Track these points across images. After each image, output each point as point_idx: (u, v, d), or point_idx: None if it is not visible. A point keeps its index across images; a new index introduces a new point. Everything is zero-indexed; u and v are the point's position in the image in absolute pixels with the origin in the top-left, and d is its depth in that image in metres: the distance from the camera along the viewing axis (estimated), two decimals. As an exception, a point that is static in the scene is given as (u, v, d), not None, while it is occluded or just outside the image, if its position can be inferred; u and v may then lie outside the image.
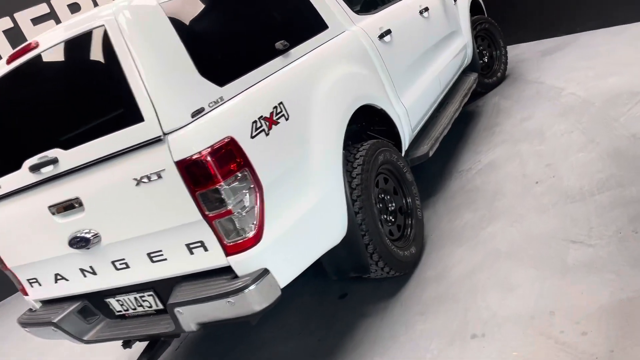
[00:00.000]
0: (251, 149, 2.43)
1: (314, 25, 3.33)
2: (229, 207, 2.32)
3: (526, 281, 2.82)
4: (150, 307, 2.84)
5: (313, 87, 2.93)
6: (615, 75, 4.70)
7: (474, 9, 6.03)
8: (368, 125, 3.72)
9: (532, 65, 6.11)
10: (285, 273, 2.50)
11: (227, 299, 2.35)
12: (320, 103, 2.90)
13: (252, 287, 2.35)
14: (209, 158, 2.28)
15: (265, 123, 2.55)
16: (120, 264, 2.71)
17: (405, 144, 3.84)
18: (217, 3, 2.94)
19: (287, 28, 3.21)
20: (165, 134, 2.30)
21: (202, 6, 2.84)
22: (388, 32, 3.84)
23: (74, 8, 6.74)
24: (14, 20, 6.40)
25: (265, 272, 2.39)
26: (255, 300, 2.37)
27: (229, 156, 2.34)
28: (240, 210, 2.35)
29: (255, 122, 2.50)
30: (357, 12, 3.79)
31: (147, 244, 2.58)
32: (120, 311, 2.97)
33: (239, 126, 2.44)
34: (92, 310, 3.06)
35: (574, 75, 5.17)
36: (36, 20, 6.48)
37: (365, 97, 3.34)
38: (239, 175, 2.36)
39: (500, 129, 4.80)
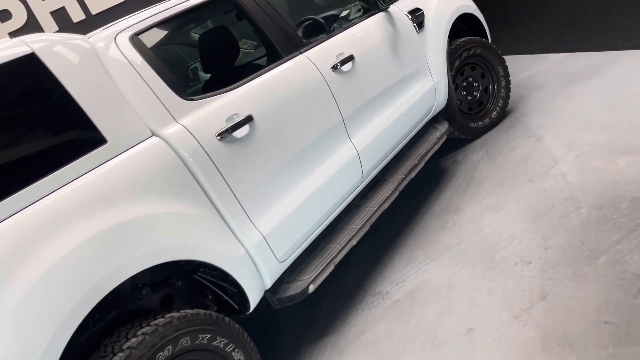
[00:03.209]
0: None
1: (70, 145, 2.13)
2: None
3: None
4: None
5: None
6: (633, 152, 3.23)
7: (470, 26, 4.57)
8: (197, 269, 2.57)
9: (544, 100, 4.59)
10: None
11: None
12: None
13: None
14: None
15: None
16: None
17: (265, 284, 2.66)
18: None
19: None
20: None
21: None
22: (246, 121, 2.60)
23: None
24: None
25: None
26: None
27: None
28: None
29: None
30: (190, 97, 2.56)
31: None
32: None
33: None
34: None
35: (580, 137, 3.69)
36: None
37: (148, 256, 2.15)
38: None
39: (454, 222, 3.48)
